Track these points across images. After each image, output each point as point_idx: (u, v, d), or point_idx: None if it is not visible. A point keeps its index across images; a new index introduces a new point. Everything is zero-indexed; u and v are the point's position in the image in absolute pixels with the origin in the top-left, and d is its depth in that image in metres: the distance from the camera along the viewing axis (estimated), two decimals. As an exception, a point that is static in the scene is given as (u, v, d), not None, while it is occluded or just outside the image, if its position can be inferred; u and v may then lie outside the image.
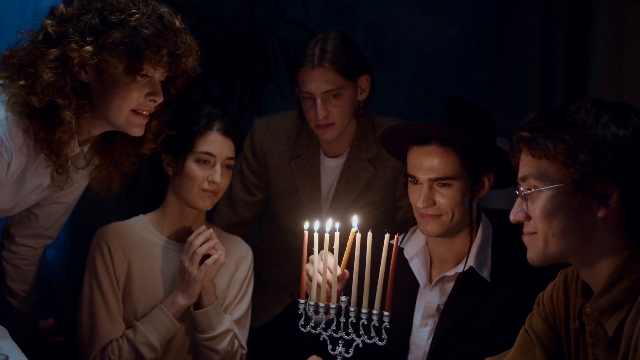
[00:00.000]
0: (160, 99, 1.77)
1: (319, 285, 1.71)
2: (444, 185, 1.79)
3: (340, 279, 1.75)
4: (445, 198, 1.79)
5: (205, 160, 2.01)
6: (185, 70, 1.79)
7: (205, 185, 2.01)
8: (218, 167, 2.02)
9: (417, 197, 1.81)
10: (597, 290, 1.37)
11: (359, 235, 1.67)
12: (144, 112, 1.76)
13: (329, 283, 1.72)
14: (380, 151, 2.29)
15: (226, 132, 2.04)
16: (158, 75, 1.75)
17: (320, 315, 1.67)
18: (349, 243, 1.69)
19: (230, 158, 2.05)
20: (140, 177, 2.90)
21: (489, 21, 3.39)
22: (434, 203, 1.80)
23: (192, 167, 2.01)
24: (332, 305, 1.66)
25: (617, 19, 2.72)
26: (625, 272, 1.34)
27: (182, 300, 1.98)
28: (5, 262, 2.06)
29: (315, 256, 1.72)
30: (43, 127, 1.69)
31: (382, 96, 3.49)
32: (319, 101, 2.20)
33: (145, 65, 1.69)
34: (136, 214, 2.13)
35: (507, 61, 3.26)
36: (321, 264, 1.71)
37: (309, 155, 2.37)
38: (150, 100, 1.75)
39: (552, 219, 1.36)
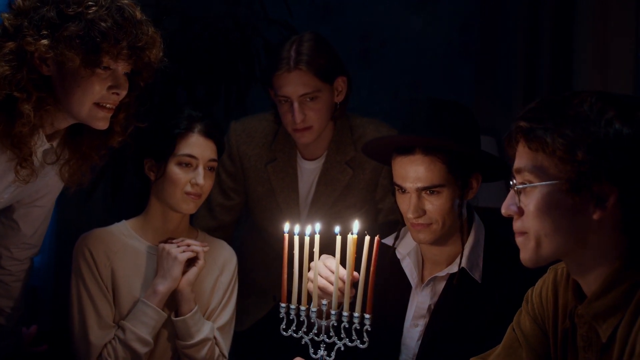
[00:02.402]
0: (124, 92, 1.75)
1: (325, 292, 1.70)
2: (432, 192, 1.78)
3: (350, 284, 1.71)
4: (434, 206, 1.78)
5: (188, 163, 2.00)
6: (149, 63, 1.76)
7: (189, 188, 1.99)
8: (201, 170, 2.00)
9: (406, 207, 1.80)
10: (591, 293, 1.32)
11: (352, 238, 1.64)
12: (108, 105, 1.74)
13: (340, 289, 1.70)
14: (358, 153, 2.27)
15: (207, 134, 2.02)
16: (121, 68, 1.73)
17: (331, 319, 1.65)
18: (352, 248, 1.64)
19: (213, 160, 2.03)
20: (126, 182, 2.90)
21: (475, 18, 3.40)
22: (424, 212, 1.78)
23: (174, 170, 1.99)
24: (345, 314, 1.63)
25: (601, 14, 2.73)
26: (623, 277, 1.28)
27: (161, 287, 1.97)
28: None
29: (335, 258, 1.68)
30: (2, 121, 1.67)
31: (369, 94, 3.52)
32: (296, 105, 2.16)
33: (104, 58, 1.67)
34: (123, 218, 2.11)
35: (493, 58, 3.27)
36: (330, 271, 1.70)
37: (285, 158, 2.34)
38: (113, 93, 1.73)
39: (545, 217, 1.29)
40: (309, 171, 2.34)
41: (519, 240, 1.35)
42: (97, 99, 1.72)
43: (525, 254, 1.34)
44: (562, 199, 1.27)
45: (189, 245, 2.01)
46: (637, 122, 1.25)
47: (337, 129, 2.31)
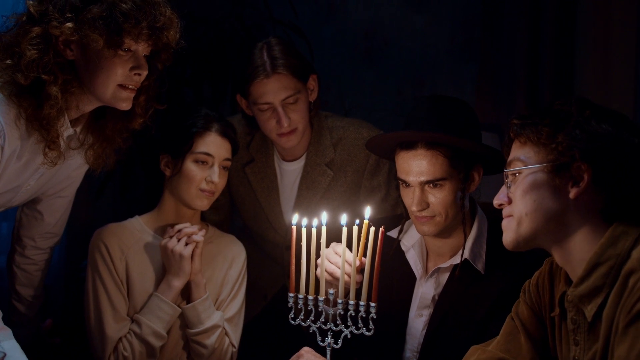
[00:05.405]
0: (145, 72, 1.81)
1: (334, 277, 1.73)
2: (435, 186, 1.82)
3: (358, 270, 1.75)
4: (437, 199, 1.82)
5: (204, 161, 2.05)
6: (168, 44, 1.82)
7: (204, 186, 2.05)
8: (216, 168, 2.05)
9: (410, 201, 1.84)
10: (577, 278, 1.42)
11: (356, 227, 1.68)
12: (130, 86, 1.80)
13: (348, 275, 1.74)
14: (337, 155, 2.29)
15: (224, 134, 2.08)
16: (141, 49, 1.78)
17: (338, 307, 1.68)
18: (362, 235, 1.70)
19: (227, 159, 2.09)
20: (135, 180, 2.94)
21: (477, 17, 3.43)
22: (428, 205, 1.83)
23: (191, 167, 2.05)
24: (351, 302, 1.66)
25: (603, 13, 2.75)
26: (603, 258, 1.38)
27: (176, 282, 2.02)
28: (16, 267, 2.12)
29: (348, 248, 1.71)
30: (31, 104, 1.74)
31: (373, 93, 3.55)
32: (280, 110, 2.16)
33: (126, 39, 1.73)
34: (131, 216, 2.16)
35: (495, 56, 3.29)
36: (338, 258, 1.74)
37: (263, 159, 2.35)
38: (135, 74, 1.79)
39: (528, 197, 1.43)
40: (289, 172, 2.35)
41: (504, 223, 1.49)
42: (120, 81, 1.78)
43: (507, 236, 1.48)
44: (544, 180, 1.42)
45: (187, 235, 2.03)
46: (612, 121, 1.41)
47: (315, 129, 2.32)
